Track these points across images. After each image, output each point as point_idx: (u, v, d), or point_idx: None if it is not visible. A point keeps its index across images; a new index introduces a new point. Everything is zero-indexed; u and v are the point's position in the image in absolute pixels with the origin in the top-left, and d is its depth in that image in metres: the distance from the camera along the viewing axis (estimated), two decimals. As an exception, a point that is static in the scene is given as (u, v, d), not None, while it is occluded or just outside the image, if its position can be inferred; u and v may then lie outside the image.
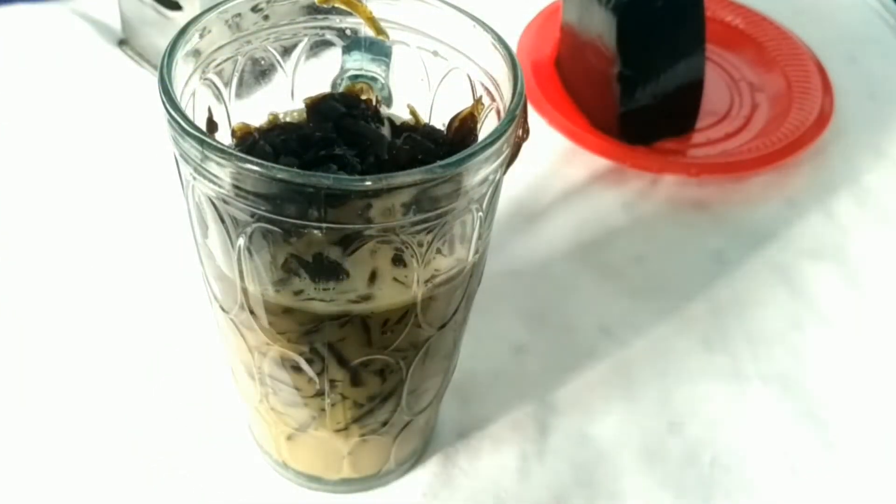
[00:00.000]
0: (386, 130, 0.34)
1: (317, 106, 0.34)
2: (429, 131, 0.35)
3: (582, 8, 0.57)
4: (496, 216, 0.33)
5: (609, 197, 0.54)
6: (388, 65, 0.35)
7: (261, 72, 0.34)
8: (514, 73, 0.31)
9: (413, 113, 0.36)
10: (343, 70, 0.36)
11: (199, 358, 0.43)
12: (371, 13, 0.34)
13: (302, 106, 0.35)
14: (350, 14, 0.34)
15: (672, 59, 0.55)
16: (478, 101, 0.33)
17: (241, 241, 0.29)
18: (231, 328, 0.33)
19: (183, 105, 0.30)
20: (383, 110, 0.35)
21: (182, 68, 0.31)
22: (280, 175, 0.26)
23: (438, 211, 0.28)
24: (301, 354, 0.32)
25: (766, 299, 0.49)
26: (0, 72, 0.59)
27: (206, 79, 0.32)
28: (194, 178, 0.29)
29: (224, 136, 0.34)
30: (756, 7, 0.67)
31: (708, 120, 0.59)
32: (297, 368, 0.33)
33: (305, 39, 0.35)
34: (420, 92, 0.35)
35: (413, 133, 0.34)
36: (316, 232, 0.29)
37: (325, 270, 0.29)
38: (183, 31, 0.31)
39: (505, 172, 0.31)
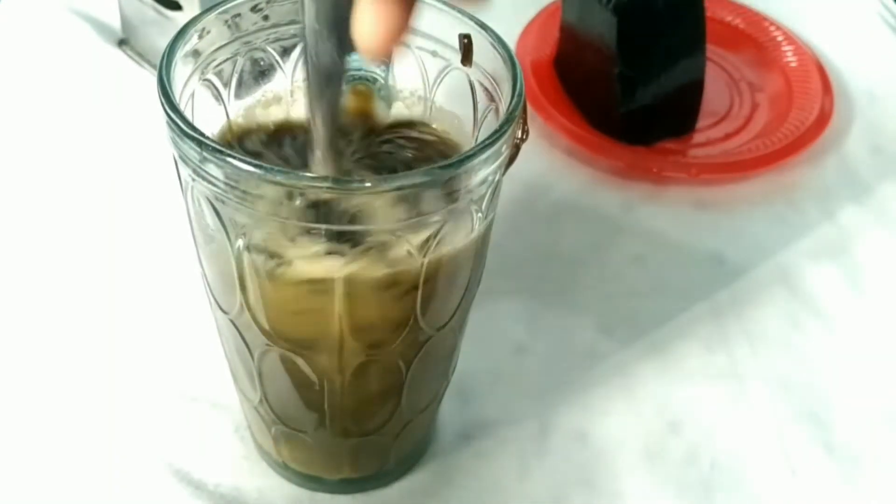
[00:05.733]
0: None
1: None
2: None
3: (582, 8, 0.57)
4: (496, 216, 0.33)
5: (609, 197, 0.54)
6: (388, 65, 0.35)
7: (260, 72, 0.34)
8: (514, 74, 0.31)
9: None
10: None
11: (198, 358, 0.43)
12: None
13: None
14: None
15: (672, 59, 0.55)
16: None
17: (241, 242, 0.29)
18: (231, 329, 0.33)
19: (182, 106, 0.30)
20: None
21: (181, 69, 0.31)
22: (279, 177, 0.26)
23: (438, 212, 0.28)
24: (300, 355, 0.32)
25: (766, 299, 0.49)
26: (0, 71, 0.59)
27: (205, 79, 0.32)
28: (193, 180, 0.29)
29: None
30: (756, 7, 0.67)
31: (708, 120, 0.59)
32: (297, 368, 0.33)
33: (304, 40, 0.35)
34: (420, 91, 0.35)
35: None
36: (315, 232, 0.29)
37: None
38: (182, 32, 0.31)
39: (504, 173, 0.31)
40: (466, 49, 0.33)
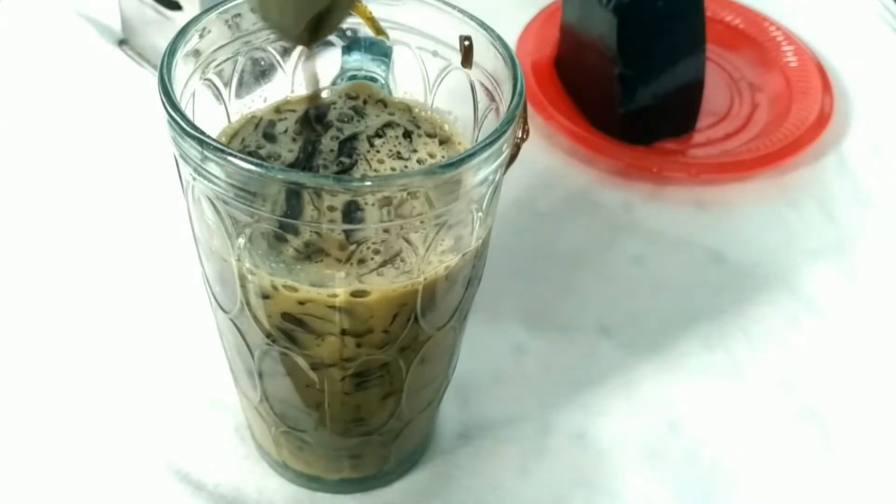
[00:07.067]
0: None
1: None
2: None
3: (582, 8, 0.57)
4: (496, 216, 0.33)
5: (609, 197, 0.54)
6: (388, 65, 0.35)
7: (261, 72, 0.35)
8: (514, 74, 0.31)
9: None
10: (343, 70, 0.36)
11: (198, 358, 0.43)
12: (371, 13, 0.34)
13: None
14: (350, 14, 0.34)
15: (672, 59, 0.55)
16: None
17: (241, 241, 0.29)
18: (231, 328, 0.33)
19: (183, 105, 0.30)
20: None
21: (182, 68, 0.31)
22: (280, 175, 0.27)
23: (438, 211, 0.28)
24: (300, 354, 0.32)
25: (766, 299, 0.49)
26: (0, 71, 0.59)
27: (206, 79, 0.33)
28: (194, 179, 0.29)
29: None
30: (756, 7, 0.67)
31: (708, 120, 0.59)
32: (297, 369, 0.33)
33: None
34: (420, 92, 0.35)
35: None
36: (315, 232, 0.29)
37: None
38: (183, 32, 0.31)
39: (505, 173, 0.31)
40: (467, 51, 0.33)
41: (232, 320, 0.33)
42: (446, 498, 0.40)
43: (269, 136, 0.34)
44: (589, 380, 0.45)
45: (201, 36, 0.32)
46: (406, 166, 0.33)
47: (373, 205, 0.27)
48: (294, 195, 0.27)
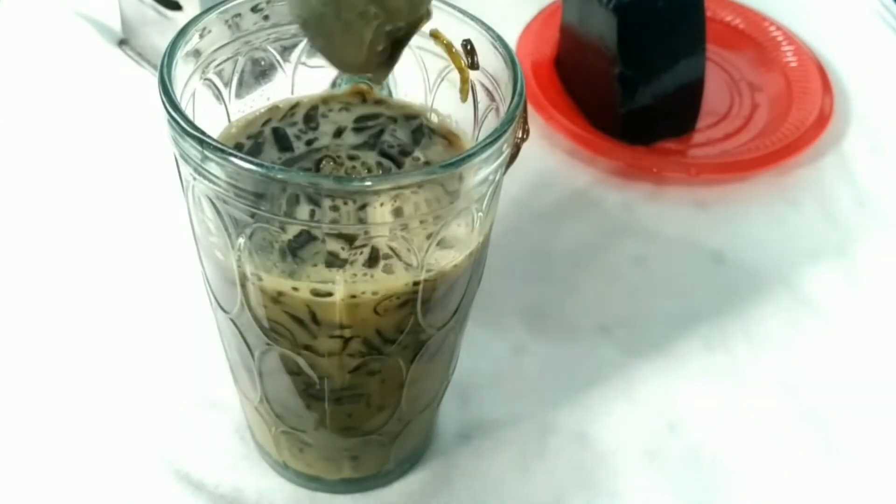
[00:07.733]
0: None
1: None
2: None
3: (582, 8, 0.57)
4: (496, 216, 0.33)
5: (609, 197, 0.54)
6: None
7: (261, 72, 0.35)
8: (514, 74, 0.31)
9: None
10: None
11: (198, 358, 0.43)
12: (448, 40, 0.34)
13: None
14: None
15: (672, 59, 0.55)
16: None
17: (241, 241, 0.29)
18: (231, 328, 0.33)
19: (183, 105, 0.30)
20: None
21: (182, 68, 0.31)
22: (280, 175, 0.27)
23: (438, 211, 0.28)
24: (300, 355, 0.32)
25: (766, 299, 0.49)
26: (0, 71, 0.59)
27: (206, 79, 0.33)
28: (194, 179, 0.29)
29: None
30: (756, 7, 0.67)
31: (708, 120, 0.59)
32: (297, 369, 0.33)
33: (305, 39, 0.35)
34: (420, 91, 0.35)
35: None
36: (315, 232, 0.29)
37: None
38: (183, 32, 0.31)
39: (505, 173, 0.31)
40: (470, 54, 0.33)
41: (232, 320, 0.33)
42: (446, 498, 0.40)
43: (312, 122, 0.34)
44: (589, 380, 0.45)
45: (201, 36, 0.32)
46: (407, 166, 0.33)
47: (373, 204, 0.27)
48: (294, 195, 0.27)
